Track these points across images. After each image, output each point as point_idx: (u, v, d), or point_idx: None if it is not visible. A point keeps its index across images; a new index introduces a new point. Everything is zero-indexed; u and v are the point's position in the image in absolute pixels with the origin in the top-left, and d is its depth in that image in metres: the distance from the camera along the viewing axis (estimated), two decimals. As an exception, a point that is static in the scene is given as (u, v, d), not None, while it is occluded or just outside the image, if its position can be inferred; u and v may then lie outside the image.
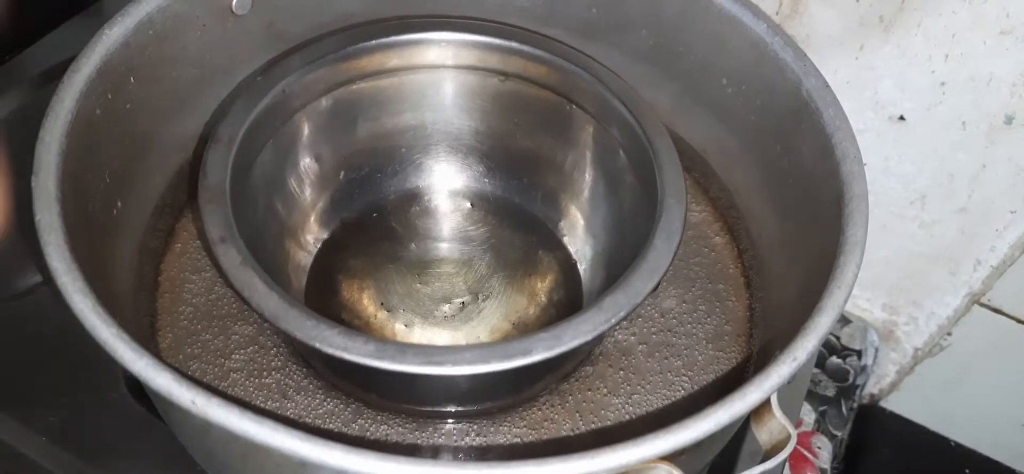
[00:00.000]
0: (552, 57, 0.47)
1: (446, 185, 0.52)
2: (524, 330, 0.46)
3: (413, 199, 0.51)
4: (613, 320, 0.36)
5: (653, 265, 0.38)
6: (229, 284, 0.36)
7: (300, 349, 0.43)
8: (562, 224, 0.50)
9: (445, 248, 0.49)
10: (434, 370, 0.34)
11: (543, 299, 0.48)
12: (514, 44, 0.47)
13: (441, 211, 0.51)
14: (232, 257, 0.36)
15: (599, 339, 0.42)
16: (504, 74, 0.48)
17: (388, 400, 0.42)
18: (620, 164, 0.47)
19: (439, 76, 0.49)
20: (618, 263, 0.45)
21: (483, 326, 0.46)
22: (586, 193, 0.50)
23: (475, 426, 0.41)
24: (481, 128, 0.51)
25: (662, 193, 0.41)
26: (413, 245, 0.49)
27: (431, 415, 0.41)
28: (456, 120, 0.51)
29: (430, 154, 0.52)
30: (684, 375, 0.44)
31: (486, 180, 0.52)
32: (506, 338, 0.46)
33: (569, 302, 0.48)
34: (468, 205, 0.52)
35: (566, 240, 0.50)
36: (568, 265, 0.49)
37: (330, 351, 0.34)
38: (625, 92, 0.46)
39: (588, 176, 0.49)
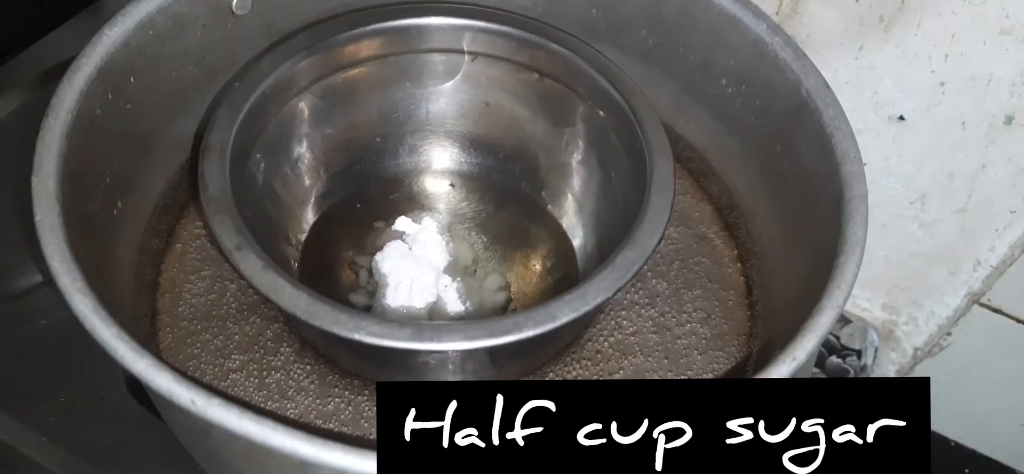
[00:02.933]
0: (517, 31, 0.47)
1: (425, 168, 0.52)
2: (523, 300, 0.47)
3: (394, 185, 0.52)
4: (628, 275, 0.37)
5: (654, 220, 0.39)
6: (255, 289, 0.36)
7: (318, 339, 0.43)
8: (544, 193, 0.51)
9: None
10: (472, 345, 0.34)
11: (537, 267, 0.48)
12: (479, 23, 0.48)
13: (423, 194, 0.52)
14: (252, 262, 0.36)
15: (609, 300, 0.41)
16: (473, 54, 0.49)
17: (398, 376, 0.42)
18: (598, 127, 0.47)
19: (408, 62, 0.49)
20: (607, 226, 0.47)
21: (482, 301, 0.47)
22: (565, 161, 0.50)
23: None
24: (452, 109, 0.51)
25: (648, 150, 0.42)
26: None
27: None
28: (427, 104, 0.51)
29: (406, 140, 0.52)
30: (684, 375, 0.44)
31: (464, 159, 0.52)
32: (509, 308, 0.47)
33: (562, 269, 0.48)
34: (449, 185, 0.52)
35: (550, 209, 0.51)
36: (555, 233, 0.50)
37: (370, 341, 0.34)
38: (595, 58, 0.46)
39: (565, 144, 0.50)
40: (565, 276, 0.48)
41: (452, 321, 0.45)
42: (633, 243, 0.38)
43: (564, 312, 0.36)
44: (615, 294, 0.37)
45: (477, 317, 0.46)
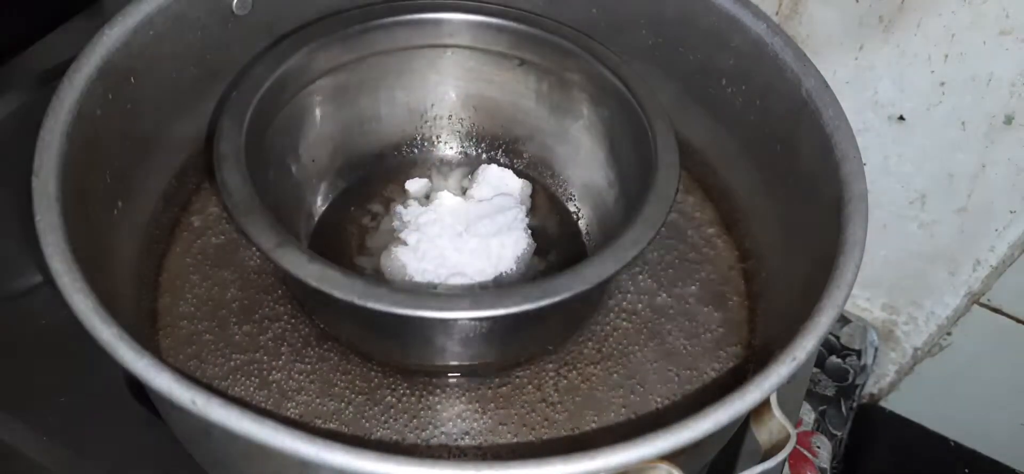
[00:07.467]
0: (498, 21, 0.49)
1: (424, 160, 0.53)
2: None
3: (392, 180, 0.52)
4: (658, 226, 0.39)
5: (667, 178, 0.41)
6: (302, 284, 0.36)
7: (353, 328, 0.43)
8: (545, 176, 0.52)
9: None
10: (532, 305, 0.36)
11: (544, 247, 0.49)
12: (457, 16, 0.49)
13: (422, 186, 0.52)
14: (297, 258, 0.36)
15: (644, 250, 0.42)
16: (468, 47, 0.50)
17: (436, 355, 0.42)
18: (593, 108, 0.48)
19: (406, 57, 0.50)
20: (611, 201, 0.48)
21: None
22: (565, 143, 0.51)
23: (476, 426, 0.42)
24: (447, 101, 0.52)
25: (648, 121, 0.43)
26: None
27: (434, 411, 0.42)
28: (422, 99, 0.52)
29: (403, 135, 0.53)
30: (684, 375, 0.44)
31: (462, 149, 0.53)
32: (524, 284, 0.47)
33: (568, 248, 0.49)
34: (448, 176, 0.53)
35: (552, 190, 0.52)
36: (558, 213, 0.51)
37: (432, 315, 0.36)
38: (579, 39, 0.47)
39: (564, 127, 0.51)
40: (571, 256, 0.49)
41: (505, 286, 0.46)
42: (654, 198, 0.40)
43: (609, 266, 0.37)
44: (648, 245, 0.39)
45: (496, 284, 0.46)
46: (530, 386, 0.43)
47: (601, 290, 0.44)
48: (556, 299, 0.36)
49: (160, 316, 0.44)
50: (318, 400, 0.42)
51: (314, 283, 0.36)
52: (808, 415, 0.65)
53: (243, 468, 0.35)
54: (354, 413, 0.41)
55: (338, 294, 0.35)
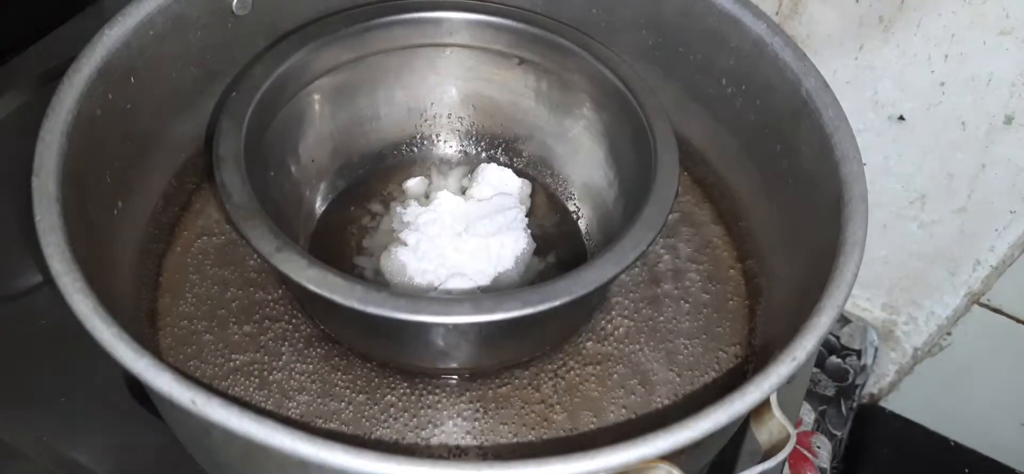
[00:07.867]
0: (497, 20, 0.49)
1: (423, 159, 0.53)
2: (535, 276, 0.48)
3: (390, 181, 0.52)
4: (658, 227, 0.39)
5: (666, 177, 0.41)
6: (302, 288, 0.36)
7: (354, 330, 0.43)
8: (545, 175, 0.52)
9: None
10: (531, 310, 0.36)
11: (544, 248, 0.49)
12: (456, 15, 0.49)
13: (420, 186, 0.52)
14: (297, 263, 0.36)
15: (645, 253, 0.42)
16: (466, 46, 0.50)
17: (419, 358, 0.43)
18: (593, 108, 0.49)
19: (402, 57, 0.50)
20: (610, 200, 0.48)
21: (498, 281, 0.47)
22: (564, 143, 0.51)
23: (476, 425, 0.42)
24: (446, 100, 0.52)
25: (648, 121, 0.44)
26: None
27: (434, 411, 0.42)
28: (420, 98, 0.52)
29: (402, 134, 0.53)
30: (684, 375, 0.44)
31: (461, 149, 0.54)
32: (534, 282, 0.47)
33: (568, 248, 0.50)
34: (446, 175, 0.53)
35: (550, 188, 0.52)
36: (558, 212, 0.51)
37: (432, 320, 0.36)
38: (580, 38, 0.48)
39: (564, 127, 0.51)
40: (572, 254, 0.49)
41: (506, 291, 0.45)
42: (654, 200, 0.40)
43: (609, 269, 0.37)
44: (648, 248, 0.39)
45: (497, 287, 0.46)
46: (530, 386, 0.43)
47: (601, 292, 0.44)
48: (557, 303, 0.36)
49: (160, 316, 0.44)
50: (318, 400, 0.42)
51: (314, 288, 0.36)
52: (808, 415, 0.65)
53: (243, 468, 0.35)
54: (354, 413, 0.41)
55: (338, 299, 0.35)
